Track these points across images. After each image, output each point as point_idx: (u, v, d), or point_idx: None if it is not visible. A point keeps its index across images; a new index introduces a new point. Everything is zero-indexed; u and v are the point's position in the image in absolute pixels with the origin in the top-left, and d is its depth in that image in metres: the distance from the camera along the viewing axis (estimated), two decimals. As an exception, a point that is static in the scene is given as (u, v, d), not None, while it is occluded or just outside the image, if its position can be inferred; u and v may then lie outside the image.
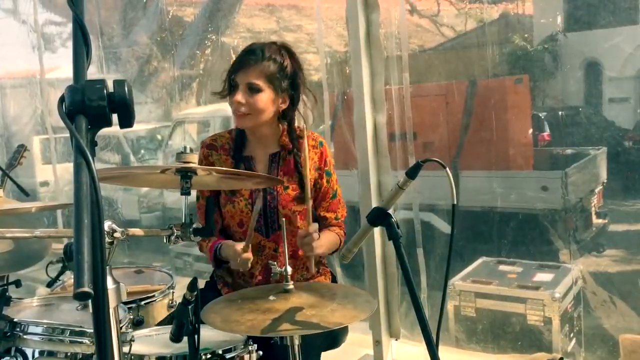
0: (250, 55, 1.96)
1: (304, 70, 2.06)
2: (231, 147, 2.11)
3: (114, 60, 7.08)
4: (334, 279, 2.24)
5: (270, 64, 1.95)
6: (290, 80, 2.00)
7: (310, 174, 2.03)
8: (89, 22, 0.89)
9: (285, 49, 2.02)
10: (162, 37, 6.89)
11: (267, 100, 1.95)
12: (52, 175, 5.71)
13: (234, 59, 2.02)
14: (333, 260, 3.45)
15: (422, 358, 2.93)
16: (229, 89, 2.00)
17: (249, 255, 1.87)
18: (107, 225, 1.30)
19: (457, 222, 1.63)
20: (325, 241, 2.03)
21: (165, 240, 1.51)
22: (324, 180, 2.11)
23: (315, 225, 1.96)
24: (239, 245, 1.88)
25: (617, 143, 6.61)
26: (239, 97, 1.94)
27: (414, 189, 3.35)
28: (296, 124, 2.10)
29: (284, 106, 2.01)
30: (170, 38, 6.90)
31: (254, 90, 1.94)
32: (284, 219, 1.81)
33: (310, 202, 1.99)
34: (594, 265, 5.24)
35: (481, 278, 4.27)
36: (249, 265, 1.89)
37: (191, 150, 1.55)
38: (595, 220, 5.83)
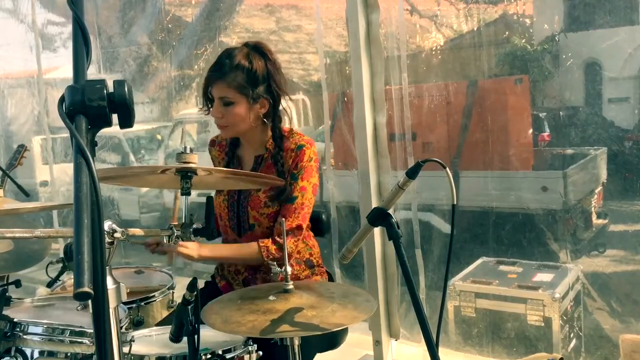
0: (217, 69, 1.95)
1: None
2: (227, 145, 2.16)
3: (112, 60, 7.07)
4: (330, 279, 2.23)
5: (237, 74, 1.92)
6: (265, 84, 1.97)
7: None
8: (87, 22, 0.89)
9: (255, 51, 1.99)
10: (161, 37, 6.88)
11: (241, 111, 1.95)
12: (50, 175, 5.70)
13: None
14: (332, 260, 3.45)
15: (422, 358, 2.93)
16: (209, 102, 2.02)
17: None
18: (107, 225, 1.30)
19: (456, 223, 1.63)
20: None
21: (165, 240, 1.51)
22: (287, 183, 2.00)
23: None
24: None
25: (617, 143, 6.61)
26: (215, 111, 1.98)
27: (413, 189, 3.34)
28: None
29: (263, 110, 2.00)
30: (169, 38, 6.89)
31: (227, 103, 1.95)
32: (283, 218, 1.81)
33: None
34: (594, 265, 5.24)
35: (481, 278, 4.27)
36: (170, 260, 1.98)
37: (191, 150, 1.55)
38: (596, 221, 5.82)
